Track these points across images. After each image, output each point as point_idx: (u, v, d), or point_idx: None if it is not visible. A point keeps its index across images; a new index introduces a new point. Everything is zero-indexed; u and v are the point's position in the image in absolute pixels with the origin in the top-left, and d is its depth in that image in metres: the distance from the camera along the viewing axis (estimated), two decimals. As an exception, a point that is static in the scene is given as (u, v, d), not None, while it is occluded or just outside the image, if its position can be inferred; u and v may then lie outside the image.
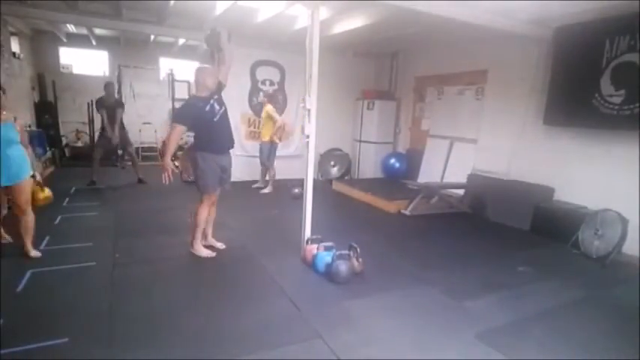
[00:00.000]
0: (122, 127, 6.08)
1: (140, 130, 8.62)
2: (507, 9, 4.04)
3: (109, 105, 5.86)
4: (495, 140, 5.48)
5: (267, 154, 6.07)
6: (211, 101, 3.19)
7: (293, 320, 2.49)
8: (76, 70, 8.64)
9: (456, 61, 6.10)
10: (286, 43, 6.29)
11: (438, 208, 5.37)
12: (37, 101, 7.72)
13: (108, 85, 6.02)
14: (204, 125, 3.19)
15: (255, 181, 6.58)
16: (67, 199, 5.09)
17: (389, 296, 2.87)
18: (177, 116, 3.29)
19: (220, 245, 3.61)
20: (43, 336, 2.16)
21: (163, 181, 3.09)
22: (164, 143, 2.88)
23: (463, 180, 5.65)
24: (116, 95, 6.24)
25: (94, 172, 5.91)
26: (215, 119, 3.20)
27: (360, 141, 7.51)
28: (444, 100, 6.44)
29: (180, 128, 3.16)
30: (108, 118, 5.83)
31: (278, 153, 7.11)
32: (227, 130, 3.34)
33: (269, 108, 5.92)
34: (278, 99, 6.64)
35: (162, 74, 9.14)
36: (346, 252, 3.15)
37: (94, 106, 6.12)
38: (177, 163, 6.90)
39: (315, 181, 3.56)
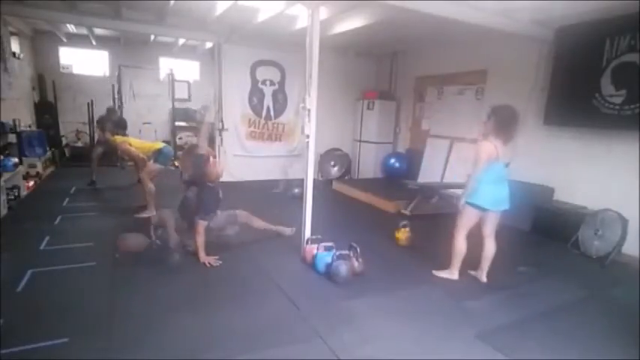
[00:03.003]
0: None
1: (140, 131, 8.61)
2: (508, 9, 4.04)
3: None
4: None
5: None
6: None
7: (293, 320, 2.49)
8: (76, 70, 8.63)
9: (456, 61, 6.10)
10: (286, 43, 6.28)
11: (438, 208, 5.37)
12: (37, 101, 7.72)
13: (110, 111, 6.29)
14: None
15: (257, 182, 6.58)
16: (67, 199, 5.09)
17: (389, 296, 2.87)
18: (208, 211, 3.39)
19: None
20: (43, 336, 2.16)
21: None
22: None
23: (463, 180, 5.64)
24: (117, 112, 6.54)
25: (93, 171, 5.92)
26: None
27: (360, 141, 7.51)
28: (444, 100, 6.44)
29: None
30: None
31: (278, 153, 7.14)
32: None
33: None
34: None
35: (162, 74, 9.14)
36: (346, 252, 3.15)
37: (95, 125, 6.23)
38: (177, 163, 6.91)
39: (315, 181, 3.56)
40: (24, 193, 5.15)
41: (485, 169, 2.88)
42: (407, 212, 5.16)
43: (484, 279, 3.19)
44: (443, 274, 3.24)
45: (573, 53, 4.33)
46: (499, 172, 2.95)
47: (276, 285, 2.96)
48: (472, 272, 3.26)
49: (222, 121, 6.55)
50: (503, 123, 2.90)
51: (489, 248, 3.14)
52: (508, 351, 2.24)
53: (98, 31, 7.52)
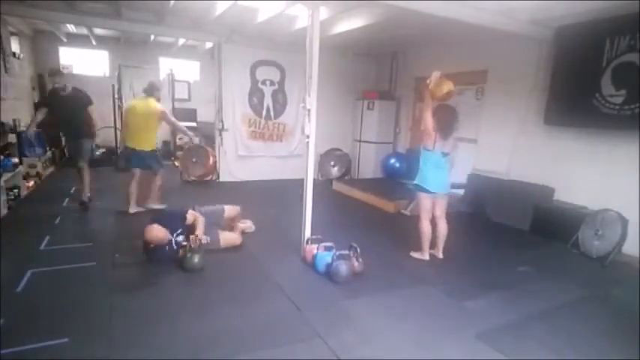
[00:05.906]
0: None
1: (140, 130, 8.60)
2: (508, 9, 4.04)
3: None
4: (495, 140, 5.48)
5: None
6: None
7: (293, 320, 2.49)
8: (76, 70, 8.62)
9: (456, 61, 6.07)
10: (286, 43, 6.28)
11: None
12: (37, 101, 7.71)
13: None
14: None
15: (257, 182, 6.55)
16: (67, 199, 5.08)
17: (389, 296, 2.88)
18: None
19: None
20: (43, 336, 2.16)
21: None
22: None
23: (463, 180, 5.65)
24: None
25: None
26: None
27: (360, 141, 7.50)
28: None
29: None
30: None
31: (278, 153, 7.13)
32: None
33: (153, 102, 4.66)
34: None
35: (162, 74, 9.13)
36: (346, 252, 3.15)
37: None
38: (177, 163, 6.90)
39: (315, 181, 3.56)
40: (24, 193, 5.15)
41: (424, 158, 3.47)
42: (407, 212, 5.16)
43: (440, 255, 3.65)
44: (416, 255, 3.65)
45: (573, 53, 4.33)
46: (436, 160, 3.43)
47: (277, 285, 2.96)
48: (431, 251, 3.68)
49: (222, 121, 6.55)
50: (443, 121, 3.40)
51: (441, 228, 3.62)
52: (508, 351, 2.24)
53: (98, 31, 7.52)
